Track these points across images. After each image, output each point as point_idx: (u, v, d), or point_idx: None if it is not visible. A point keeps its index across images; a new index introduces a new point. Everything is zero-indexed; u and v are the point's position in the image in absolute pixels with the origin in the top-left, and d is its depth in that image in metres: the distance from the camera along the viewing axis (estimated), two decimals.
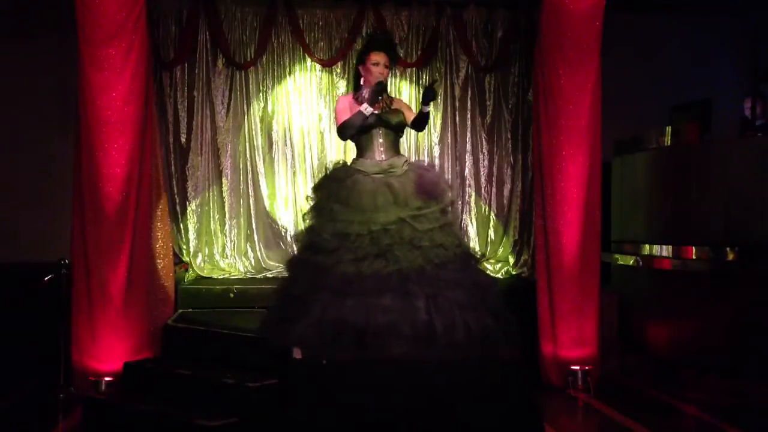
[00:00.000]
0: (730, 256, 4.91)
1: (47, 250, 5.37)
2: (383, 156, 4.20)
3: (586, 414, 4.55)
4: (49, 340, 4.84)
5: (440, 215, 4.04)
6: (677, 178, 5.38)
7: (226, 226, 6.27)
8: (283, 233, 6.32)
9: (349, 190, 4.03)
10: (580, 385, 4.81)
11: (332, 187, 4.09)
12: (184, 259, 6.12)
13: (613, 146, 6.15)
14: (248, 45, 6.26)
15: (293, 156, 6.36)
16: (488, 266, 6.29)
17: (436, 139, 6.51)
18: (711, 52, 6.92)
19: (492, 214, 6.54)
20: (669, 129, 5.55)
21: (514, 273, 6.38)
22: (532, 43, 5.42)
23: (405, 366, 3.60)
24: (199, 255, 6.20)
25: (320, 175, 4.57)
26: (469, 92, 6.53)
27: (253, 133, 6.31)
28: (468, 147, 6.53)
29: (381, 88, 4.15)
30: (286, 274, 4.21)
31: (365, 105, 4.13)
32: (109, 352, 4.53)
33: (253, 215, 6.29)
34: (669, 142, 5.53)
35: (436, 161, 6.46)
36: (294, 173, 6.36)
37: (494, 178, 6.54)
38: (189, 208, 6.22)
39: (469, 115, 6.53)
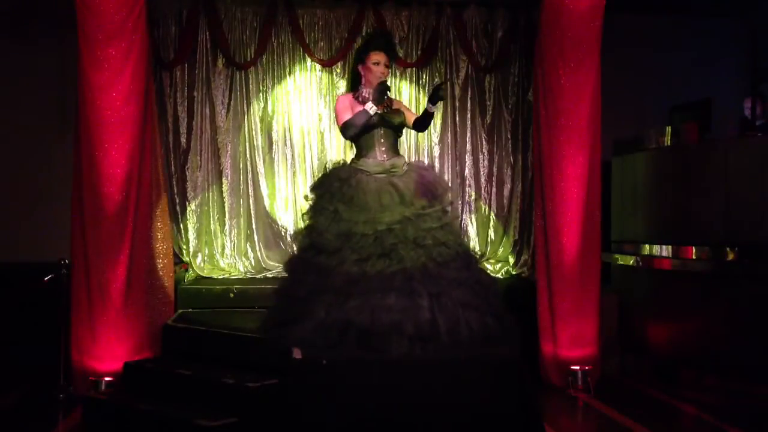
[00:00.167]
0: (730, 256, 4.91)
1: (47, 250, 5.37)
2: (385, 156, 4.21)
3: (586, 414, 4.54)
4: (49, 340, 4.84)
5: (442, 215, 4.06)
6: (677, 178, 5.38)
7: (226, 226, 6.26)
8: (283, 233, 6.31)
9: (354, 189, 4.03)
10: (580, 385, 4.81)
11: (335, 186, 4.09)
12: (184, 259, 6.12)
13: (613, 146, 6.16)
14: (248, 45, 6.26)
15: (293, 156, 6.36)
16: (488, 266, 6.29)
17: (436, 139, 6.50)
18: (711, 52, 6.92)
19: (492, 214, 6.54)
20: (669, 129, 5.55)
21: (514, 273, 6.38)
22: (532, 43, 5.42)
23: (405, 365, 3.60)
24: (199, 255, 6.20)
25: (320, 175, 4.55)
26: (469, 92, 6.53)
27: (253, 133, 6.31)
28: (468, 147, 6.53)
29: (386, 87, 4.15)
30: (285, 275, 4.21)
31: (370, 104, 4.13)
32: (109, 352, 4.53)
33: (253, 215, 6.28)
34: (669, 142, 5.54)
35: (436, 161, 6.46)
36: (294, 173, 6.35)
37: (494, 178, 6.54)
38: (189, 208, 6.21)
39: (469, 115, 6.52)
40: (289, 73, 6.37)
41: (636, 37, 6.70)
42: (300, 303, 3.80)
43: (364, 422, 3.46)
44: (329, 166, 4.45)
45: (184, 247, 6.17)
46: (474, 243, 6.44)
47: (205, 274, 6.09)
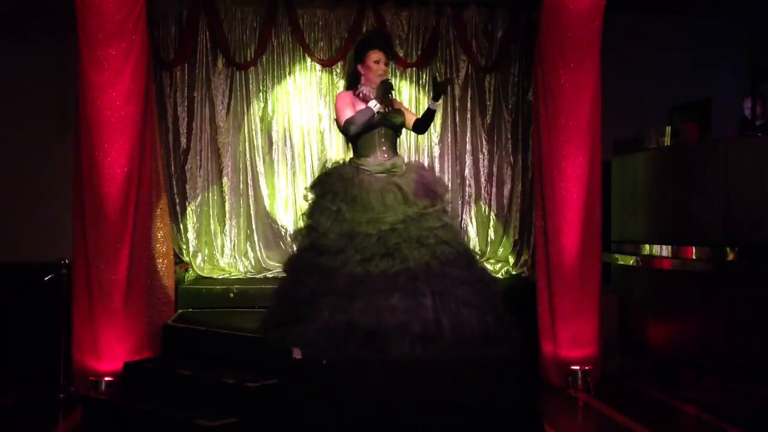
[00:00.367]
0: (730, 256, 4.91)
1: (47, 250, 5.37)
2: (386, 156, 4.21)
3: (586, 414, 4.54)
4: (49, 340, 4.84)
5: (443, 214, 4.07)
6: (677, 178, 5.38)
7: (226, 226, 6.26)
8: (283, 233, 6.31)
9: (358, 188, 4.02)
10: (580, 385, 4.81)
11: (337, 184, 4.07)
12: (184, 259, 6.12)
13: (613, 146, 6.16)
14: (248, 45, 6.26)
15: (293, 156, 6.36)
16: (488, 266, 6.28)
17: (436, 139, 6.50)
18: (711, 52, 6.92)
19: (492, 214, 6.54)
20: (669, 129, 5.55)
21: (514, 273, 6.38)
22: (532, 43, 5.43)
23: (405, 365, 3.60)
24: (199, 255, 6.20)
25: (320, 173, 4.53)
26: (469, 92, 6.53)
27: (253, 133, 6.31)
28: (468, 147, 6.53)
29: (390, 85, 4.15)
30: (285, 275, 4.20)
31: (373, 101, 4.12)
32: (109, 352, 4.53)
33: (253, 215, 6.28)
34: (669, 142, 5.54)
35: (436, 161, 6.47)
36: (294, 173, 6.35)
37: (494, 178, 6.54)
38: (189, 208, 6.21)
39: (469, 115, 6.52)
40: (289, 73, 6.37)
41: (636, 37, 6.70)
42: (303, 304, 3.79)
43: (364, 422, 3.46)
44: (329, 164, 4.44)
45: (184, 247, 6.17)
46: (474, 243, 6.44)
47: (205, 274, 6.09)
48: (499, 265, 6.42)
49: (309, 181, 6.11)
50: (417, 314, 3.65)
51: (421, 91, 6.46)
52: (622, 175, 5.93)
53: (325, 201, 4.05)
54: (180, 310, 5.31)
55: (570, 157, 4.87)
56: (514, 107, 6.53)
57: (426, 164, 6.26)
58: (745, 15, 6.84)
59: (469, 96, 6.52)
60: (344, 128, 4.19)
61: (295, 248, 4.23)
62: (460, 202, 6.47)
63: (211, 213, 6.25)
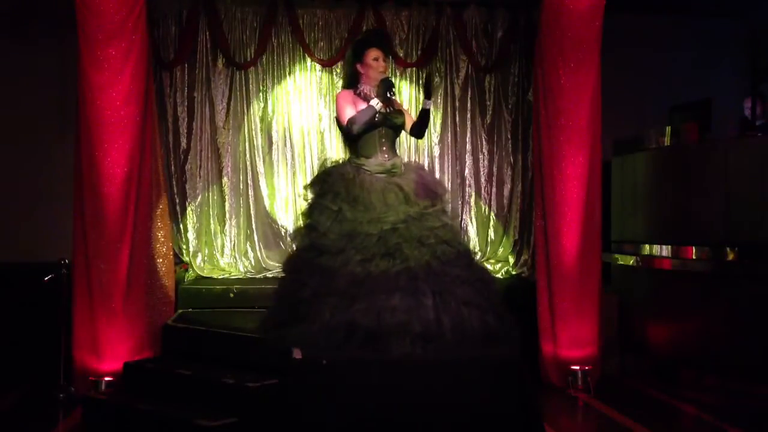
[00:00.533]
0: (730, 256, 4.91)
1: (47, 250, 5.38)
2: (386, 156, 4.21)
3: (586, 414, 4.54)
4: (49, 340, 4.84)
5: (442, 214, 4.07)
6: (677, 178, 5.38)
7: (226, 226, 6.26)
8: (282, 233, 6.30)
9: (359, 188, 4.02)
10: (580, 385, 4.81)
11: (338, 184, 4.07)
12: (184, 259, 6.11)
13: (613, 146, 6.16)
14: (248, 45, 6.25)
15: (293, 156, 6.35)
16: (488, 266, 6.28)
17: (436, 139, 6.50)
18: (711, 52, 6.92)
19: (492, 214, 6.53)
20: (669, 129, 5.55)
21: (514, 273, 6.37)
22: (532, 43, 5.42)
23: (405, 366, 3.60)
24: (199, 255, 6.19)
25: (319, 172, 4.51)
26: (469, 92, 6.52)
27: (253, 133, 6.30)
28: (468, 147, 6.53)
29: (391, 83, 4.16)
30: (285, 275, 4.19)
31: (375, 100, 4.12)
32: (109, 352, 4.53)
33: (253, 215, 6.28)
34: (669, 142, 5.54)
35: (436, 161, 6.46)
36: (294, 173, 6.35)
37: (494, 178, 6.54)
38: (189, 208, 6.21)
39: (469, 115, 6.52)
40: (289, 73, 6.36)
41: (636, 37, 6.70)
42: (304, 304, 3.79)
43: (364, 422, 3.46)
44: (328, 163, 4.43)
45: (184, 247, 6.17)
46: (474, 243, 6.43)
47: (205, 274, 6.08)
48: (499, 265, 6.42)
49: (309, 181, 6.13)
50: (418, 314, 3.65)
51: (420, 91, 6.45)
52: (622, 175, 5.93)
53: (325, 200, 4.05)
54: (180, 310, 5.31)
55: (570, 157, 4.87)
56: (514, 107, 6.52)
57: (426, 164, 6.28)
58: (745, 15, 6.84)
59: (469, 96, 6.52)
60: (346, 127, 4.19)
61: (294, 248, 4.23)
62: (460, 202, 6.46)
63: (211, 213, 6.25)
